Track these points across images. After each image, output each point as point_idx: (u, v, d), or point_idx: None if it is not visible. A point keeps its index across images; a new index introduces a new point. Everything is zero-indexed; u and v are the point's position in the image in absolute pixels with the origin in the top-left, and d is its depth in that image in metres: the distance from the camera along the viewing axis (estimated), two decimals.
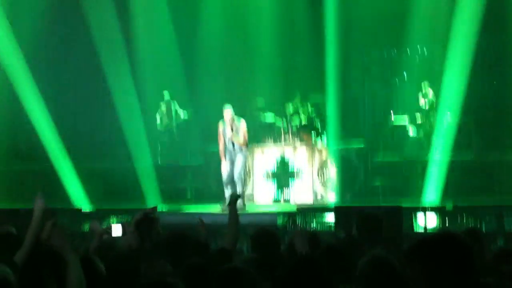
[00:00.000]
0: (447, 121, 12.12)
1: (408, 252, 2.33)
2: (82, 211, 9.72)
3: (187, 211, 9.87)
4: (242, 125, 9.74)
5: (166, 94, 12.87)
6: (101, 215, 8.88)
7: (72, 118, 13.89)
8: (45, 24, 13.77)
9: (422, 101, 12.19)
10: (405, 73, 13.82)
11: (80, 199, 10.93)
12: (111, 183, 11.45)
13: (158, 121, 12.80)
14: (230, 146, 9.66)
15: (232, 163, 9.70)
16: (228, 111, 9.56)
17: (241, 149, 9.68)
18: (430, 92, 12.13)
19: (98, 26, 13.33)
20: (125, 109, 13.32)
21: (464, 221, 8.08)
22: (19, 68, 12.40)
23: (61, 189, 11.14)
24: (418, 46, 13.91)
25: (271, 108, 12.94)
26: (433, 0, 12.91)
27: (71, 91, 14.16)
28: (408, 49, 13.92)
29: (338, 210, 7.95)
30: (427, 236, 2.31)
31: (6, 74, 12.22)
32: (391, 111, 12.46)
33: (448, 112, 11.81)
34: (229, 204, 4.91)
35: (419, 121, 12.12)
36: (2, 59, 12.11)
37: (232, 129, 9.56)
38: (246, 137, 9.73)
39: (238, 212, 8.74)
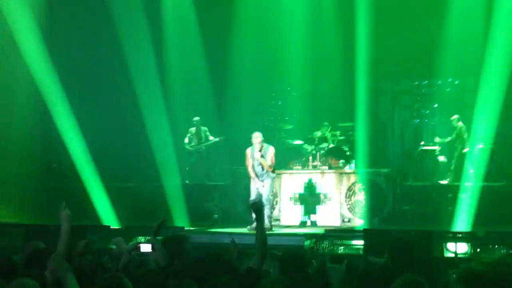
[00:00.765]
0: (478, 149, 12.01)
1: (459, 281, 2.24)
2: (111, 228, 9.82)
3: (214, 231, 9.88)
4: (270, 150, 9.86)
5: (197, 119, 13.01)
6: (129, 233, 8.95)
7: (103, 138, 14.14)
8: (80, 46, 14.18)
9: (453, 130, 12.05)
10: (436, 103, 13.82)
11: (109, 218, 11.04)
12: (140, 202, 11.56)
13: (187, 140, 12.93)
14: (258, 169, 9.75)
15: (260, 184, 9.77)
16: (257, 136, 9.69)
17: (268, 174, 9.76)
18: (460, 124, 12.00)
19: (132, 50, 13.64)
20: (155, 131, 13.54)
21: (496, 247, 7.92)
22: (54, 89, 12.73)
23: (90, 207, 11.29)
24: (450, 77, 13.89)
25: (300, 133, 13.00)
26: (465, 31, 12.88)
27: (104, 112, 14.44)
28: (439, 80, 13.90)
29: (367, 233, 7.87)
30: (477, 269, 2.22)
31: (41, 94, 12.55)
32: (422, 142, 12.39)
33: (481, 143, 11.75)
34: (257, 220, 4.86)
35: (450, 148, 11.97)
36: (37, 80, 12.44)
37: (261, 153, 9.66)
38: (273, 163, 9.82)
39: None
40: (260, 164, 9.71)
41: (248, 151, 9.85)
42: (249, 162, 9.81)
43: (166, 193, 11.31)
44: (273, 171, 9.88)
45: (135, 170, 13.66)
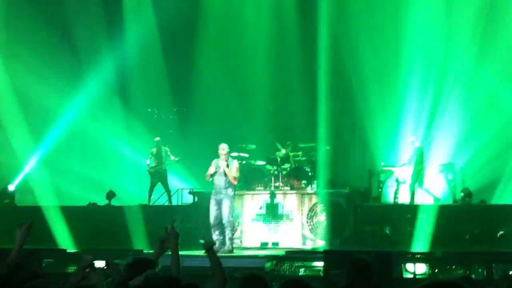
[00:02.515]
0: (436, 169, 12.29)
1: None
2: (67, 251, 9.55)
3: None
4: (235, 163, 9.83)
5: (157, 139, 12.89)
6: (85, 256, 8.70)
7: (62, 158, 13.88)
8: (39, 66, 13.94)
9: (409, 154, 12.27)
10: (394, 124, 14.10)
11: (65, 241, 10.74)
12: (98, 224, 11.29)
13: (148, 162, 12.78)
14: (219, 182, 9.59)
15: (219, 204, 9.63)
16: (224, 147, 9.64)
17: (227, 191, 9.62)
18: (417, 145, 12.22)
19: (94, 68, 13.55)
20: (116, 151, 13.38)
21: (453, 267, 8.03)
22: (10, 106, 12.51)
23: (46, 229, 10.96)
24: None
25: (262, 154, 13.01)
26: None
27: (63, 131, 14.16)
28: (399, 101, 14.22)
29: (327, 255, 7.87)
30: (426, 284, 2.23)
31: None
32: (382, 163, 12.56)
33: (440, 167, 12.05)
34: (206, 251, 4.78)
35: (408, 171, 12.16)
36: None
37: (226, 162, 9.59)
38: (238, 174, 9.76)
39: (226, 254, 8.66)
40: (223, 175, 9.57)
41: (214, 160, 9.76)
42: (212, 169, 9.68)
43: (125, 215, 11.08)
44: (233, 188, 9.77)
45: (94, 192, 13.38)
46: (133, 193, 13.27)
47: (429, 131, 13.61)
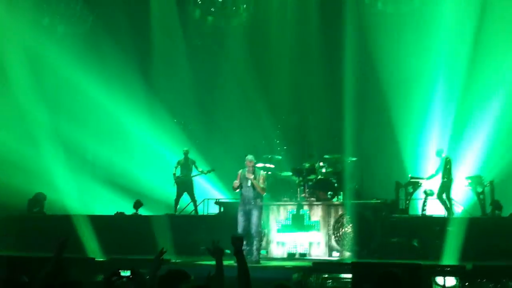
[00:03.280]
0: (465, 182, 12.12)
1: None
2: (95, 260, 9.65)
3: (201, 263, 9.75)
4: (262, 174, 9.84)
5: (186, 150, 13.01)
6: (114, 265, 8.79)
7: (89, 168, 14.09)
8: (67, 73, 14.23)
9: (436, 165, 12.13)
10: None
11: (94, 250, 10.86)
12: (125, 234, 11.40)
13: (175, 172, 12.88)
14: (247, 193, 9.62)
15: (247, 215, 9.65)
16: (251, 159, 9.67)
17: (256, 202, 9.65)
18: (444, 155, 12.08)
19: (120, 79, 13.76)
20: (144, 161, 13.52)
21: (484, 281, 7.88)
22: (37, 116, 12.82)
23: (75, 239, 11.10)
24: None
25: (289, 165, 13.02)
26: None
27: (91, 142, 14.39)
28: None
29: (355, 266, 7.80)
30: None
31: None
32: (409, 175, 12.45)
33: (468, 180, 11.89)
34: (236, 253, 4.78)
35: (436, 182, 12.03)
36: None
37: (253, 174, 9.61)
38: (265, 185, 9.77)
39: (252, 265, 8.66)
40: (251, 187, 9.60)
41: (240, 171, 9.80)
42: (237, 182, 9.71)
43: (152, 224, 11.17)
44: (261, 199, 9.79)
45: (122, 201, 13.56)
46: (159, 202, 13.37)
47: (457, 142, 13.48)
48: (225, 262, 9.05)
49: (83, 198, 13.12)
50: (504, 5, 13.30)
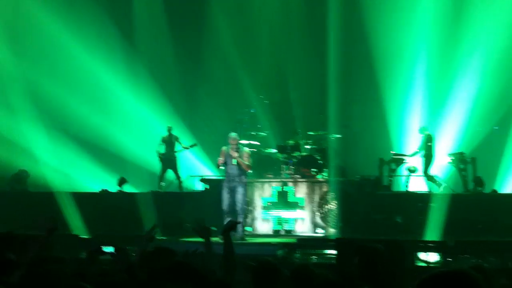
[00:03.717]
0: (447, 158, 12.23)
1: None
2: (80, 237, 9.63)
3: (186, 240, 9.77)
4: (246, 150, 9.82)
5: (169, 127, 12.93)
6: (98, 243, 8.76)
7: (73, 146, 13.97)
8: (50, 55, 13.96)
9: (419, 142, 12.22)
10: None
11: (78, 227, 10.82)
12: (109, 210, 11.35)
13: (158, 148, 12.82)
14: (232, 171, 9.62)
15: (232, 192, 9.66)
16: (234, 137, 9.64)
17: (240, 178, 9.66)
18: (427, 133, 12.17)
19: (104, 58, 13.58)
20: (126, 138, 13.42)
21: (466, 257, 8.01)
22: (21, 95, 12.57)
23: (59, 216, 11.03)
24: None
25: (272, 142, 13.00)
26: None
27: (74, 120, 14.23)
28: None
29: (339, 243, 7.87)
30: (438, 273, 2.21)
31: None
32: (392, 151, 12.51)
33: (451, 157, 12.00)
34: (223, 232, 4.80)
35: (419, 159, 12.13)
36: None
37: (237, 153, 9.59)
38: (250, 162, 9.77)
39: (238, 242, 8.69)
40: (235, 164, 9.59)
41: (224, 148, 9.77)
42: (222, 159, 9.69)
43: (136, 201, 11.13)
44: (246, 176, 9.80)
45: (106, 178, 13.48)
46: (144, 179, 13.31)
47: (440, 119, 13.56)
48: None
49: (67, 174, 13.01)
50: None
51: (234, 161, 9.55)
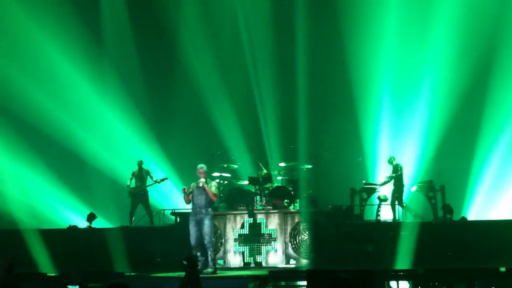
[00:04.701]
0: (416, 187, 12.39)
1: None
2: (47, 275, 9.38)
3: (156, 275, 9.60)
4: (214, 182, 9.80)
5: (140, 161, 12.85)
6: (65, 279, 8.55)
7: (39, 180, 13.74)
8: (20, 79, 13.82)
9: (388, 172, 12.40)
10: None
11: (45, 265, 10.56)
12: (77, 246, 11.12)
13: (129, 183, 12.69)
14: (199, 201, 9.52)
15: (199, 225, 9.55)
16: (202, 168, 9.61)
17: (207, 210, 9.57)
18: (396, 162, 12.34)
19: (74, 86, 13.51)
20: (95, 171, 13.26)
21: (436, 284, 8.05)
22: None
23: (25, 253, 10.77)
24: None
25: (244, 174, 13.01)
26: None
27: (41, 152, 14.03)
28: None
29: (309, 274, 7.83)
30: None
31: None
32: (363, 181, 12.63)
33: (414, 187, 12.18)
34: (189, 266, 4.72)
35: (389, 188, 12.27)
36: None
37: (204, 180, 9.55)
38: (217, 191, 9.72)
39: (209, 276, 8.56)
40: (203, 195, 9.51)
41: (192, 184, 9.73)
42: (186, 188, 9.59)
43: (106, 237, 10.95)
44: (213, 208, 9.73)
45: (72, 214, 13.27)
46: (113, 214, 13.13)
47: (408, 148, 13.78)
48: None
49: (33, 210, 12.74)
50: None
51: (201, 191, 9.50)
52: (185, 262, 4.76)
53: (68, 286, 4.85)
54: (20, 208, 12.51)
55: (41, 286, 8.88)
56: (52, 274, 9.78)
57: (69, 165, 14.04)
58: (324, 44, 14.55)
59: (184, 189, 9.60)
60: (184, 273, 4.61)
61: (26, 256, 10.66)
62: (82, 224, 12.34)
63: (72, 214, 13.39)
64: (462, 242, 10.48)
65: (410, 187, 12.39)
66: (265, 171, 12.49)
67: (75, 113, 14.07)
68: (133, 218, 12.63)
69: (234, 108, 14.69)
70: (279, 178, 12.59)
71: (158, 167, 13.85)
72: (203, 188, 9.52)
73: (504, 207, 13.04)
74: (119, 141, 14.43)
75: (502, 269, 8.13)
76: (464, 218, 11.65)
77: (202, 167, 9.65)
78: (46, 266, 10.46)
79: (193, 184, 9.68)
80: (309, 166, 12.62)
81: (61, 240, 11.32)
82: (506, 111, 13.45)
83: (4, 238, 11.35)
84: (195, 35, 15.08)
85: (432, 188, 12.19)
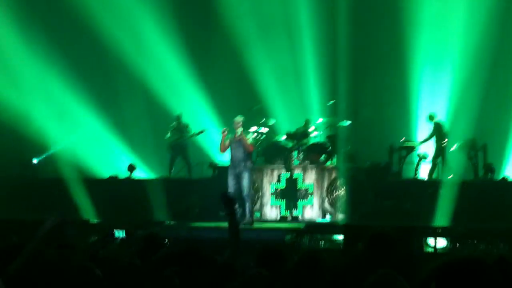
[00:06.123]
0: (457, 145, 12.13)
1: (431, 277, 2.17)
2: (90, 222, 9.69)
3: (194, 225, 9.81)
4: (251, 134, 9.85)
5: (178, 114, 12.96)
6: (108, 228, 8.82)
7: (82, 132, 14.04)
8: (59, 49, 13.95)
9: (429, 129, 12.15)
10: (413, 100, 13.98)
11: (88, 212, 10.89)
12: (119, 196, 11.40)
13: (169, 135, 12.83)
14: (237, 154, 9.59)
15: (237, 178, 9.64)
16: (239, 120, 9.64)
17: (246, 164, 9.62)
18: (436, 120, 12.08)
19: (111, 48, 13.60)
20: (136, 124, 13.46)
21: (475, 243, 7.97)
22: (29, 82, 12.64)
23: (69, 201, 11.10)
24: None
25: (282, 128, 12.97)
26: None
27: (82, 107, 14.26)
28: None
29: (347, 228, 7.87)
30: (453, 261, 2.12)
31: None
32: (403, 138, 12.44)
33: (455, 146, 11.91)
34: (227, 213, 4.72)
35: (429, 146, 12.06)
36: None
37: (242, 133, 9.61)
38: (253, 142, 9.74)
39: (246, 227, 8.71)
40: (240, 147, 9.56)
41: (224, 131, 9.77)
42: (225, 143, 9.66)
43: (146, 187, 11.18)
44: (251, 161, 9.79)
45: (115, 164, 13.55)
46: (153, 165, 13.37)
47: (450, 106, 13.45)
48: (220, 224, 9.13)
49: (76, 158, 13.06)
50: None
51: (238, 133, 9.52)
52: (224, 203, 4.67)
53: (114, 231, 4.99)
54: (63, 156, 12.83)
55: (84, 232, 9.17)
56: (94, 221, 10.11)
57: (112, 117, 14.25)
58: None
59: (224, 130, 9.65)
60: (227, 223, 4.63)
61: (69, 204, 11.00)
62: (123, 174, 12.59)
63: (115, 164, 13.68)
64: (502, 201, 10.30)
65: (451, 146, 12.14)
66: (303, 126, 12.42)
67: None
68: (173, 169, 12.82)
69: (273, 62, 14.53)
70: (316, 133, 12.50)
71: (197, 121, 13.91)
72: (240, 141, 9.56)
73: None
74: (160, 93, 14.47)
75: None
76: (505, 179, 11.41)
77: (239, 118, 9.67)
78: (88, 213, 10.78)
79: (230, 136, 9.72)
80: (348, 122, 12.50)
81: (103, 189, 11.60)
82: None
83: (48, 187, 11.71)
84: None
85: (474, 147, 11.93)
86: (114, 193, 11.46)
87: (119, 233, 4.98)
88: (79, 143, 13.78)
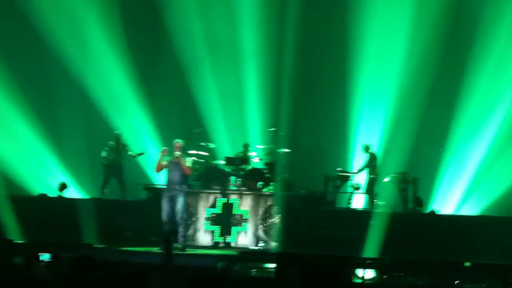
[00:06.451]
0: (388, 177, 12.51)
1: None
2: (14, 242, 9.28)
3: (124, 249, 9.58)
4: (189, 158, 9.80)
5: (117, 133, 12.72)
6: (34, 249, 8.46)
7: (12, 148, 13.52)
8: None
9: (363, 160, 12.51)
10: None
11: (13, 231, 10.42)
12: (48, 216, 10.99)
13: (104, 154, 12.53)
14: (174, 177, 9.51)
15: (172, 201, 9.54)
16: (179, 142, 9.61)
17: (181, 187, 9.56)
18: (371, 151, 12.46)
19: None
20: (70, 141, 13.09)
21: (402, 274, 8.18)
22: None
23: None
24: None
25: (222, 153, 12.99)
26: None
27: (15, 121, 13.75)
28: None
29: (280, 257, 7.89)
30: None
31: None
32: (338, 168, 12.72)
33: (387, 178, 12.28)
34: (164, 239, 4.69)
35: (363, 176, 12.38)
36: None
37: (180, 153, 9.54)
38: (191, 166, 9.69)
39: (178, 252, 8.58)
40: (177, 171, 9.48)
41: (163, 151, 9.74)
42: (162, 164, 9.58)
43: (77, 207, 10.83)
44: (187, 185, 9.73)
45: (46, 182, 13.09)
46: (86, 185, 13.01)
47: (385, 139, 13.90)
48: (151, 249, 8.95)
49: (3, 173, 12.52)
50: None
51: (176, 155, 9.46)
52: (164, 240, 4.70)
53: (39, 254, 4.80)
54: None
55: (7, 252, 8.77)
56: (19, 241, 9.68)
57: (45, 131, 13.80)
58: (312, 31, 14.55)
59: (164, 150, 9.58)
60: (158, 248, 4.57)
61: None
62: (54, 193, 12.18)
63: (45, 181, 13.21)
64: (430, 234, 10.65)
65: (384, 178, 12.51)
66: (241, 153, 12.48)
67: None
68: (105, 190, 12.52)
69: (217, 87, 14.59)
70: (256, 160, 12.59)
71: (136, 142, 13.70)
72: (178, 164, 9.49)
73: (472, 203, 13.28)
74: (97, 112, 14.17)
75: (467, 264, 8.30)
76: (433, 212, 11.83)
77: (178, 141, 9.63)
78: (13, 232, 10.32)
79: (168, 158, 9.63)
80: (287, 150, 12.65)
81: (31, 207, 11.15)
82: (480, 106, 13.61)
83: None
84: (183, 9, 14.82)
85: (405, 180, 12.32)
86: (42, 212, 11.04)
87: (44, 256, 4.79)
88: (7, 156, 13.21)
